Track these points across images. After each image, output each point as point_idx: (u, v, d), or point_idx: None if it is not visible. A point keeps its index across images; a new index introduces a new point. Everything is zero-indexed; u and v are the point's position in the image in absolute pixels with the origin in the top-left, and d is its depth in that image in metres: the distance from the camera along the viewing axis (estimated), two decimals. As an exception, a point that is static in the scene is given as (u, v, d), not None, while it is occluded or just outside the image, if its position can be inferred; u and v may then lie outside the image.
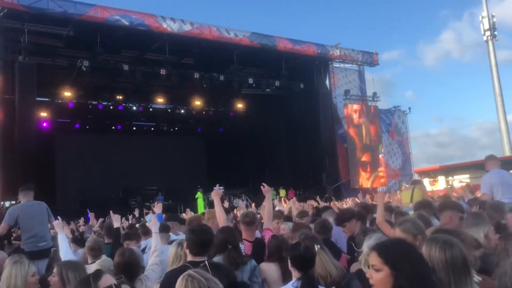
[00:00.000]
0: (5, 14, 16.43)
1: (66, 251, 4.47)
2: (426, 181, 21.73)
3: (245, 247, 4.00)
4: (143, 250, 4.88)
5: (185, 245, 3.20)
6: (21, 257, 3.37)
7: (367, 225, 5.29)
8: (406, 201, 7.09)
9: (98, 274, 2.41)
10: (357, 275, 3.18)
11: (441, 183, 24.16)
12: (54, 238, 6.50)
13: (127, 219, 10.95)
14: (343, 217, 4.73)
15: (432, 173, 27.14)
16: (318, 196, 7.53)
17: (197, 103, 26.65)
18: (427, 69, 73.00)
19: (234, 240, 3.56)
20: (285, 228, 5.07)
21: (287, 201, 10.76)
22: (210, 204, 21.18)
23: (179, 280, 2.13)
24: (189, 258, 3.13)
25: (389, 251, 2.03)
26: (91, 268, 3.41)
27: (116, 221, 5.24)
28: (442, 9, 79.74)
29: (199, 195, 21.80)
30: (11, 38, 17.11)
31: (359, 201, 9.00)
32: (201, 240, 3.11)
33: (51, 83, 21.13)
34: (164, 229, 4.91)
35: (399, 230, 3.49)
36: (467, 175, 23.89)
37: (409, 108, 28.73)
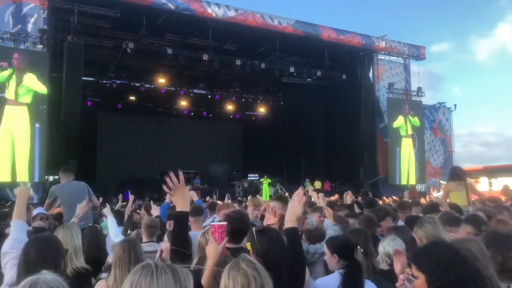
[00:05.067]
0: (57, -5, 16.90)
1: (116, 232, 4.58)
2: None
3: None
4: None
5: None
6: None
7: (401, 223, 5.16)
8: (462, 203, 6.47)
9: None
10: (382, 275, 3.37)
11: (483, 185, 23.29)
12: (96, 220, 6.73)
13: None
14: (377, 216, 4.59)
15: (474, 174, 26.21)
16: (350, 192, 7.30)
17: (237, 89, 26.73)
18: (478, 64, 69.86)
19: None
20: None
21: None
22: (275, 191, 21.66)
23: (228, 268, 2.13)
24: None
25: (421, 257, 2.05)
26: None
27: (155, 210, 5.33)
28: (500, -1, 74.70)
29: (264, 181, 22.17)
30: (61, 18, 17.58)
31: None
32: (239, 226, 3.09)
33: (97, 64, 21.70)
34: (197, 212, 4.90)
35: (419, 231, 3.56)
36: (512, 178, 22.89)
37: (455, 105, 27.75)
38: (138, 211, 7.25)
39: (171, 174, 2.82)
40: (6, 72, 15.55)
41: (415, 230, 3.67)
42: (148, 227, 4.66)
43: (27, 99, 15.89)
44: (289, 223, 2.68)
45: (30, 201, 14.70)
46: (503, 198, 8.20)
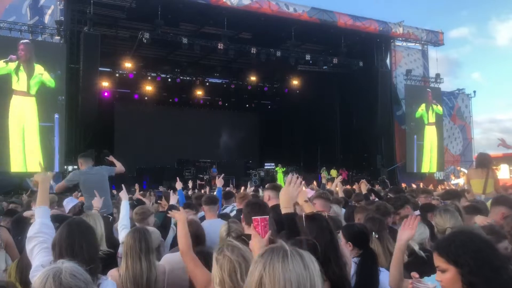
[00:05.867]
0: (73, -14, 17.01)
1: (124, 216, 4.62)
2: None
3: None
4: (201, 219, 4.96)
5: (242, 218, 3.30)
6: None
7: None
8: (478, 191, 6.51)
9: None
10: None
11: (503, 172, 22.87)
12: (118, 207, 6.83)
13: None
14: (396, 205, 4.53)
15: (494, 161, 25.74)
16: (364, 180, 7.24)
17: (253, 78, 26.65)
18: (498, 49, 68.07)
19: None
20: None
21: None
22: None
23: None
24: (246, 230, 3.16)
25: (449, 248, 1.91)
26: None
27: (174, 198, 5.38)
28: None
29: (278, 170, 22.31)
30: (78, 10, 17.71)
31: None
32: (257, 211, 3.10)
33: (113, 54, 21.84)
34: (211, 201, 4.92)
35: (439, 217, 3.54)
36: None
37: (474, 92, 27.23)
38: (159, 201, 7.35)
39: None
40: (13, 64, 15.70)
41: (431, 217, 3.62)
42: (134, 214, 4.78)
43: (36, 90, 16.10)
44: (286, 209, 2.63)
45: (51, 191, 15.05)
46: None
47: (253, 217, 2.48)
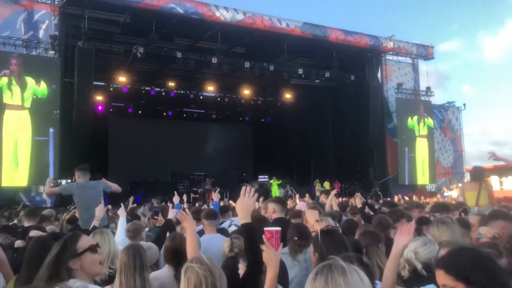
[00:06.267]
0: (68, 1, 17.15)
1: (120, 233, 4.69)
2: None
3: None
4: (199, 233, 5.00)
5: None
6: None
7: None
8: (471, 204, 6.68)
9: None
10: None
11: (494, 184, 23.11)
12: (112, 220, 6.88)
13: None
14: (392, 219, 4.60)
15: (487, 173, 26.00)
16: (359, 193, 7.37)
17: (246, 92, 26.86)
18: (488, 62, 68.79)
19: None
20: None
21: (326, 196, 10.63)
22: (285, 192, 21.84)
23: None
24: None
25: (457, 264, 1.90)
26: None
27: (172, 213, 5.42)
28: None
29: (273, 182, 22.34)
30: (72, 24, 17.84)
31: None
32: (261, 228, 3.17)
33: (108, 68, 21.97)
34: (212, 216, 5.00)
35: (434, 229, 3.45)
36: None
37: (464, 105, 27.61)
38: (155, 217, 7.36)
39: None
40: (5, 79, 15.78)
41: (426, 230, 3.62)
42: (127, 231, 4.69)
43: (31, 103, 16.17)
44: (244, 219, 2.69)
45: (44, 204, 15.04)
46: None
47: (266, 229, 2.48)
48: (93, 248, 2.51)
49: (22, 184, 15.94)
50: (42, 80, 16.33)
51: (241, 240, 3.57)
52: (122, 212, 5.33)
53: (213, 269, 2.28)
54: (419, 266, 3.00)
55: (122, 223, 5.02)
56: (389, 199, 15.72)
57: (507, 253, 2.84)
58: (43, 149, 16.18)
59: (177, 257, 3.52)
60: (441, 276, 1.91)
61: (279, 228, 2.49)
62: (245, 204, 2.75)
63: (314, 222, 3.82)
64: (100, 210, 5.17)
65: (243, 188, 2.86)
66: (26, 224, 6.07)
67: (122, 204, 5.59)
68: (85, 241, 2.50)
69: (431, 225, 3.85)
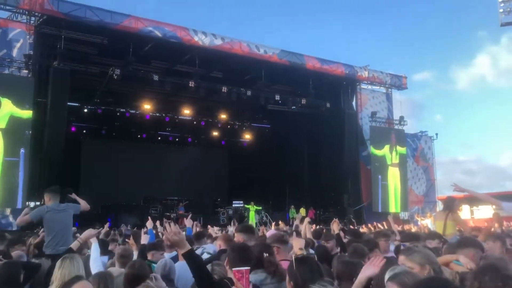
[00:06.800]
0: (44, 21, 16.97)
1: (95, 260, 4.53)
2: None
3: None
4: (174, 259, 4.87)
5: (225, 261, 3.33)
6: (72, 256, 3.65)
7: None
8: (439, 232, 6.80)
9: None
10: None
11: (465, 213, 23.57)
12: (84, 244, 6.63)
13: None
14: (368, 247, 4.57)
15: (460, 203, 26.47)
16: (337, 219, 7.34)
17: (223, 116, 26.88)
18: (459, 93, 71.07)
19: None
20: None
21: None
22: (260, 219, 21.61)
23: None
24: (230, 274, 3.20)
25: None
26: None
27: (145, 238, 5.29)
28: (479, 30, 76.31)
29: (250, 207, 22.11)
30: (48, 44, 17.61)
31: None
32: (243, 256, 3.16)
33: (83, 89, 21.62)
34: (190, 242, 4.86)
35: (407, 260, 3.37)
36: (493, 206, 23.22)
37: (436, 134, 28.34)
38: (127, 240, 7.16)
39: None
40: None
41: (403, 259, 3.56)
42: (120, 256, 4.62)
43: (3, 124, 15.71)
44: (182, 250, 2.84)
45: (10, 227, 14.46)
46: (496, 225, 8.53)
47: (234, 269, 2.54)
48: None
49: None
50: (16, 101, 15.91)
51: (221, 267, 3.51)
52: (93, 238, 5.10)
53: None
54: None
55: (95, 249, 4.84)
56: (362, 226, 15.73)
57: None
58: (12, 170, 15.66)
59: (136, 284, 3.42)
60: None
61: (248, 268, 2.56)
62: (174, 240, 2.86)
63: (298, 250, 3.78)
64: (88, 234, 4.89)
65: (166, 226, 2.98)
66: None
67: (92, 229, 5.36)
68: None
69: (400, 254, 3.82)
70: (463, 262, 3.58)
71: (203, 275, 2.75)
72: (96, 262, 4.51)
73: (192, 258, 2.80)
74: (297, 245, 3.88)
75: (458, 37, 73.36)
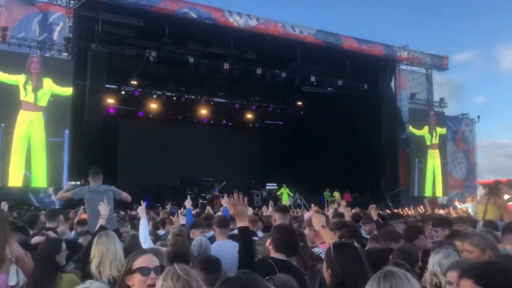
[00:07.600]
0: (82, 4, 17.20)
1: (145, 237, 4.59)
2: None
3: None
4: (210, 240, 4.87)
5: (268, 241, 3.38)
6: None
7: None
8: (480, 217, 6.54)
9: None
10: None
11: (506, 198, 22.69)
12: (121, 223, 6.76)
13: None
14: (410, 235, 4.38)
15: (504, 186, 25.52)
16: (374, 205, 7.15)
17: (257, 98, 26.76)
18: (503, 73, 67.84)
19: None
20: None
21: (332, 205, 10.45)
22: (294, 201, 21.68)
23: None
24: (272, 254, 3.27)
25: (488, 277, 1.92)
26: None
27: (182, 219, 5.31)
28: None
29: (283, 190, 22.06)
30: (86, 27, 17.91)
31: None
32: (285, 238, 3.25)
33: (120, 71, 21.99)
34: (224, 225, 4.85)
35: (466, 244, 3.21)
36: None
37: (478, 117, 27.21)
38: (171, 217, 7.32)
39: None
40: (22, 77, 15.81)
41: (463, 244, 3.39)
42: (175, 235, 4.63)
43: (45, 103, 16.14)
44: (241, 223, 2.96)
45: (52, 205, 14.99)
46: None
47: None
48: (144, 271, 2.45)
49: (37, 185, 15.93)
50: (56, 83, 16.31)
51: (263, 247, 3.50)
52: (142, 213, 5.13)
53: (191, 282, 2.06)
54: (443, 282, 2.87)
55: (144, 225, 4.87)
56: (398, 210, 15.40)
57: None
58: (57, 150, 16.15)
59: (180, 261, 3.40)
60: (466, 285, 1.95)
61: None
62: (239, 210, 2.99)
63: (320, 228, 3.69)
64: (104, 208, 4.98)
65: (235, 195, 3.10)
66: (48, 225, 6.07)
67: (142, 202, 5.40)
68: (141, 261, 2.49)
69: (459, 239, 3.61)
70: (510, 249, 3.47)
71: (250, 253, 2.89)
72: (147, 239, 4.56)
73: (246, 234, 2.96)
74: (318, 223, 3.77)
75: (503, 13, 69.80)
